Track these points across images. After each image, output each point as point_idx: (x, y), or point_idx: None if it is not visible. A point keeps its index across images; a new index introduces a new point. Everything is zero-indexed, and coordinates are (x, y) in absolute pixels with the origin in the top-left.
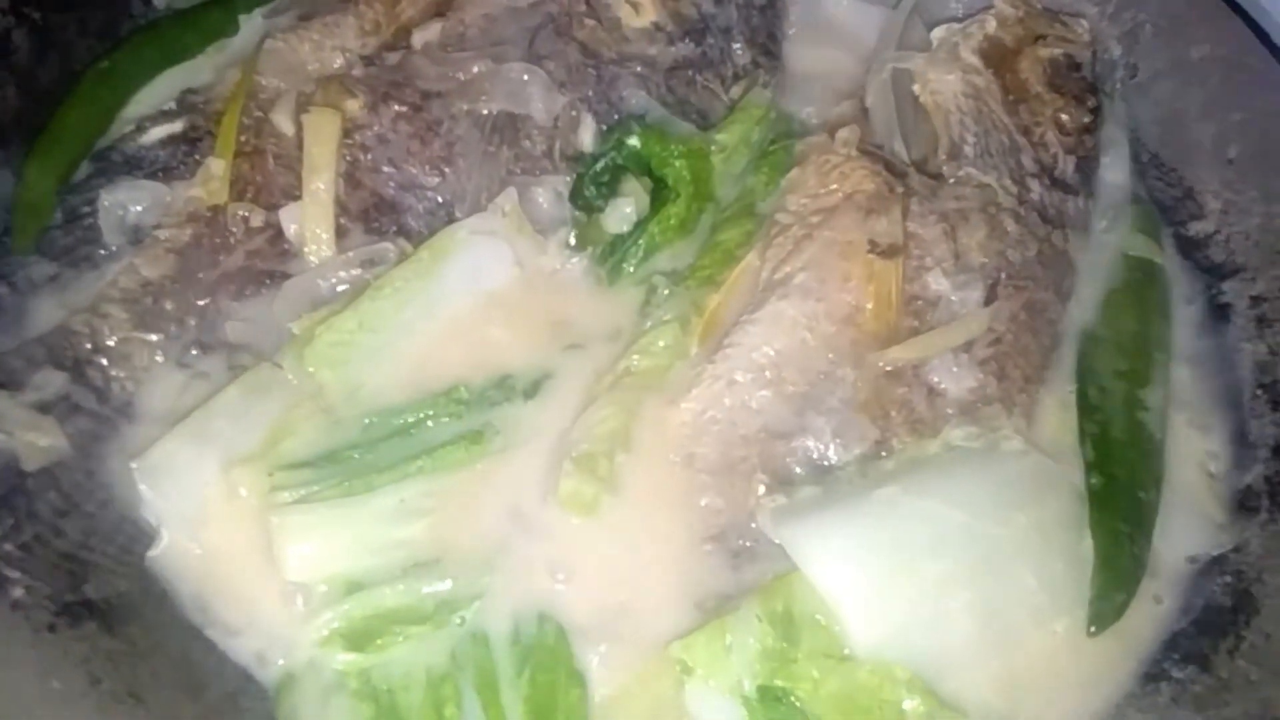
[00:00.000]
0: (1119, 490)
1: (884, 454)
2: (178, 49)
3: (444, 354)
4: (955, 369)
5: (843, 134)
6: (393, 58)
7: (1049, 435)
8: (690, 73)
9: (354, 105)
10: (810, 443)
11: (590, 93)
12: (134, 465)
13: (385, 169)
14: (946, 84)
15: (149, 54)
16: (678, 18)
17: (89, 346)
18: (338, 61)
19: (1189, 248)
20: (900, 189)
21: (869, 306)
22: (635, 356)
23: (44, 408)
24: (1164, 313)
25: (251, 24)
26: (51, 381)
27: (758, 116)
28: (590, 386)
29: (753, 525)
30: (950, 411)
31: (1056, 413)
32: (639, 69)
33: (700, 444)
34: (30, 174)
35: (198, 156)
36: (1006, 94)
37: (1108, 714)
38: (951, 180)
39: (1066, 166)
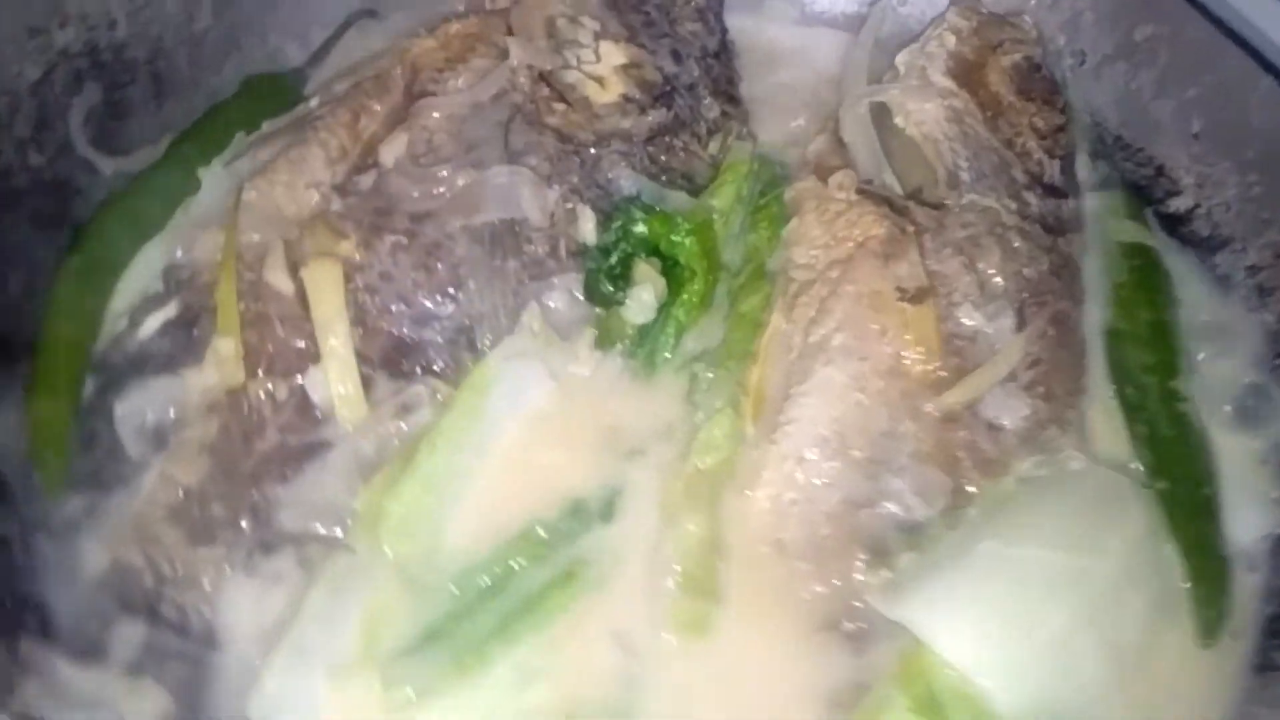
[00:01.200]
0: (1183, 492)
1: (963, 502)
2: (144, 222)
3: (508, 493)
4: (1007, 400)
5: (838, 178)
6: (366, 180)
7: (1103, 445)
8: (668, 139)
9: (348, 247)
10: (892, 506)
11: (578, 181)
12: (249, 714)
13: (396, 307)
14: (928, 112)
15: (117, 236)
16: (644, 85)
17: (152, 581)
18: (314, 198)
19: (1173, 225)
20: (911, 228)
21: (912, 355)
22: (700, 456)
23: (135, 668)
24: (1169, 295)
25: (213, 177)
26: (130, 635)
27: (744, 172)
28: (663, 494)
29: (859, 605)
30: (1014, 443)
31: (1103, 420)
32: (619, 146)
33: (786, 529)
34: (40, 412)
35: (199, 334)
36: (984, 110)
37: (1236, 716)
38: (955, 209)
39: (1053, 170)
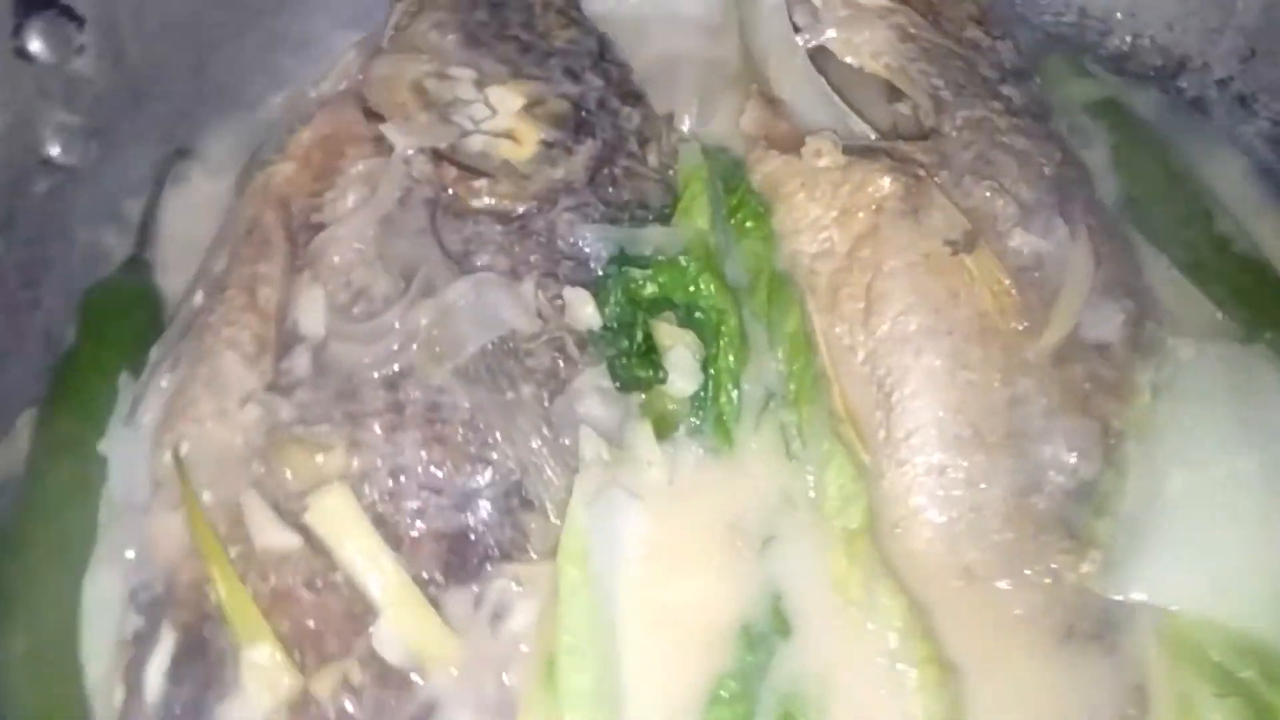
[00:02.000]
0: None
1: (1115, 439)
2: (64, 553)
3: (670, 658)
4: (1099, 314)
5: (814, 146)
6: (302, 363)
7: (1188, 318)
8: (608, 170)
9: (335, 459)
10: (1056, 476)
11: (542, 260)
12: None
13: (426, 502)
14: (879, 40)
15: (42, 593)
16: (557, 120)
17: None
18: (255, 413)
19: (1119, 65)
20: (920, 171)
21: (993, 307)
22: (840, 515)
23: None
24: (1159, 140)
25: (118, 446)
26: None
27: (705, 175)
28: (830, 575)
29: (1083, 600)
30: (1126, 355)
31: (1172, 293)
32: (566, 202)
33: (963, 552)
34: None
35: (219, 656)
36: (925, 17)
37: None
38: (951, 132)
39: (1008, 53)
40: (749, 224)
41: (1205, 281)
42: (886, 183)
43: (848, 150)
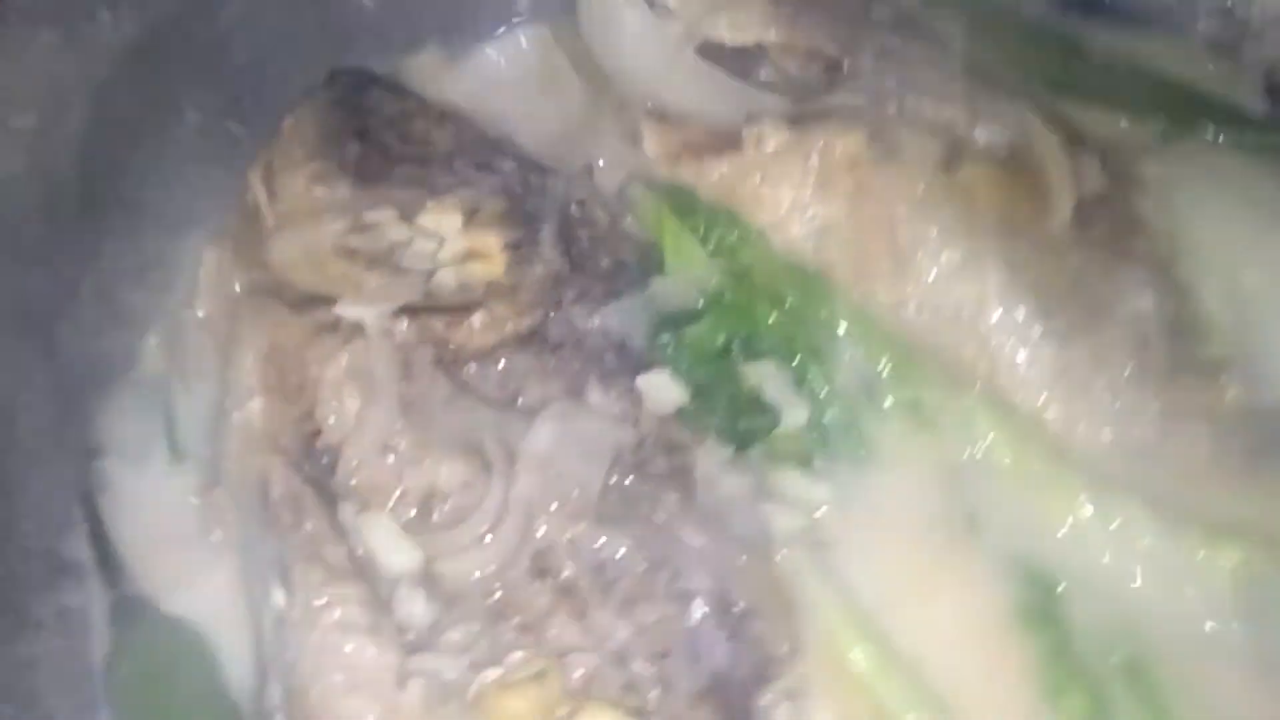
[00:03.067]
0: None
1: (1166, 265)
2: None
3: (974, 678)
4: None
5: (753, 132)
6: (418, 608)
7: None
8: (574, 248)
9: (553, 683)
10: (1148, 325)
11: (587, 364)
12: None
13: (668, 669)
14: (756, 11)
15: None
16: (503, 219)
17: None
18: (417, 691)
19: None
20: (870, 115)
21: (1006, 204)
22: (1018, 460)
23: None
24: None
25: None
26: None
27: (668, 209)
28: (1050, 513)
29: (1245, 418)
30: (1121, 191)
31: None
32: (569, 296)
33: (1130, 429)
34: None
35: None
36: None
37: None
38: (868, 66)
39: None
40: (732, 237)
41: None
42: (850, 137)
43: (789, 123)
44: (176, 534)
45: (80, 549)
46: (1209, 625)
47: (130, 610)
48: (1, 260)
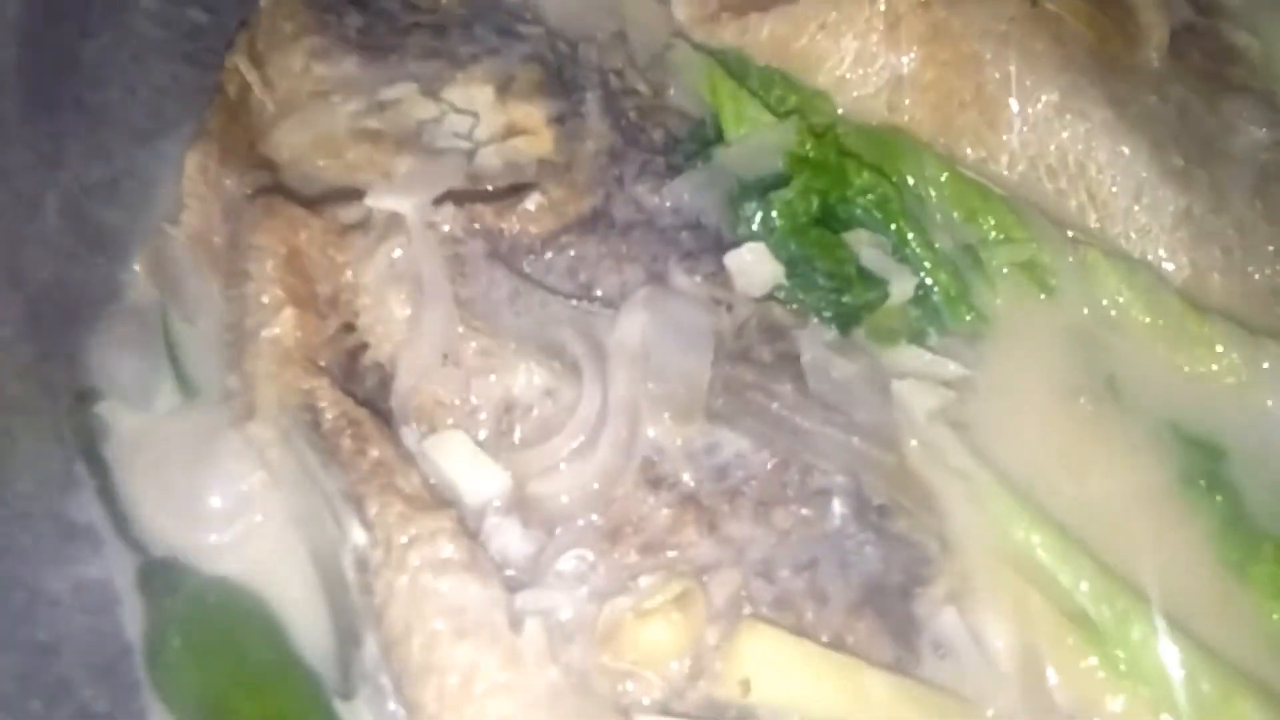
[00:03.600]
0: None
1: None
2: None
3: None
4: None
5: None
6: (512, 536)
7: None
8: (623, 120)
9: (697, 603)
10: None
11: (665, 245)
12: None
13: (820, 577)
14: None
15: None
16: (540, 88)
17: None
18: (536, 632)
19: None
20: None
21: (1096, 38)
22: (1149, 314)
23: None
24: None
25: None
26: None
27: (720, 71)
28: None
29: None
30: (1211, 23)
31: None
32: (627, 172)
33: (1258, 271)
34: None
35: None
36: None
37: None
38: None
39: None
40: (791, 100)
41: None
42: None
43: None
44: (201, 481)
45: (90, 510)
46: None
47: (162, 577)
48: None
